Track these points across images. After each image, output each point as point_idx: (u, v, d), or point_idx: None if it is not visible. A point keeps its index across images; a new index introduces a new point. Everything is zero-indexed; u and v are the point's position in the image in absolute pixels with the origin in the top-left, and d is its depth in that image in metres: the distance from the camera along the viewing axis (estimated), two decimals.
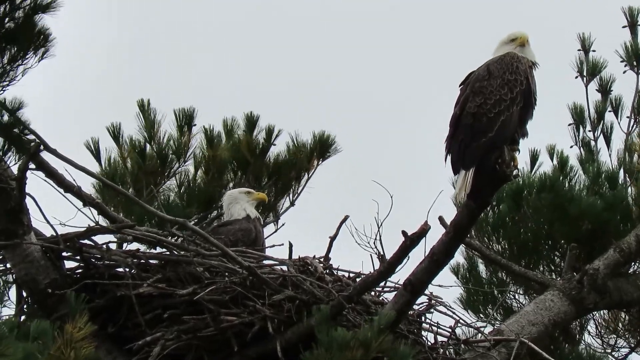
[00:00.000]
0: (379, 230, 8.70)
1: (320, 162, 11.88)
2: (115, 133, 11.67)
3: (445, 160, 8.10)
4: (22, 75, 8.34)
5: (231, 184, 11.52)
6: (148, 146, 11.67)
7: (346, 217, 9.14)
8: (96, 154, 11.56)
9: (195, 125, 11.74)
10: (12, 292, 8.85)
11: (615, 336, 11.25)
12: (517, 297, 11.23)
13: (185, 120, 11.73)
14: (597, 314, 11.17)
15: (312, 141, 11.83)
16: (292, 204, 11.84)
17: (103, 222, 9.24)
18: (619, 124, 11.65)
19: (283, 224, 11.54)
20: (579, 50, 11.88)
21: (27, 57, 8.29)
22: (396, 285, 8.77)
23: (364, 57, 20.53)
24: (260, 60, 20.08)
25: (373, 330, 7.43)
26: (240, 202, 10.07)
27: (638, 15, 11.82)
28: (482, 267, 11.39)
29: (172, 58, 20.24)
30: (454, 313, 9.06)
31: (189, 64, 20.16)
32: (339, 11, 21.05)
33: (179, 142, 11.68)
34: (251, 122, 11.79)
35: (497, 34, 8.44)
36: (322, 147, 11.84)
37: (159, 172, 11.63)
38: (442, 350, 8.94)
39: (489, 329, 9.55)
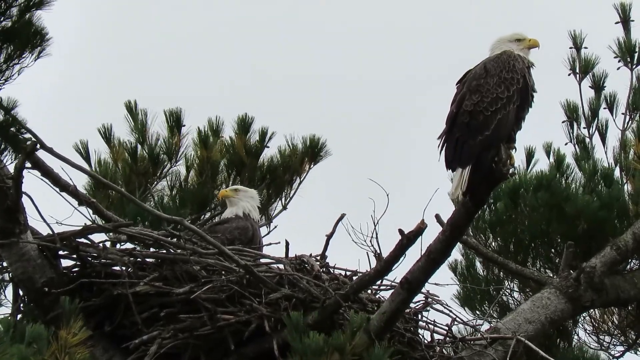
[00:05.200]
0: (375, 229, 8.70)
1: (311, 165, 11.88)
2: (107, 134, 11.65)
3: (440, 156, 8.11)
4: (19, 74, 8.34)
5: (224, 185, 11.48)
6: (139, 147, 11.64)
7: (343, 216, 9.13)
8: (86, 156, 11.52)
9: (184, 125, 11.72)
10: (9, 291, 8.88)
11: (610, 335, 11.26)
12: (513, 294, 11.24)
13: (175, 120, 11.70)
14: (593, 312, 11.17)
15: (302, 145, 11.82)
16: (284, 207, 11.85)
17: (99, 221, 9.22)
18: (614, 120, 11.66)
19: (275, 227, 11.57)
20: (570, 47, 11.87)
21: (23, 56, 8.27)
22: (393, 284, 8.78)
23: (362, 55, 20.56)
24: (255, 61, 20.11)
25: (347, 334, 7.45)
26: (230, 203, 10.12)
27: (630, 11, 11.82)
28: (479, 265, 11.39)
29: (164, 58, 20.25)
30: (450, 311, 9.08)
31: (182, 65, 20.17)
32: (335, 10, 21.08)
33: (169, 143, 11.65)
34: (245, 124, 11.78)
35: (491, 31, 8.44)
36: (313, 150, 11.83)
37: (150, 173, 11.60)
38: (438, 348, 8.95)
39: (485, 326, 9.56)
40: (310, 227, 12.12)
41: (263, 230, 11.31)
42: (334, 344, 7.42)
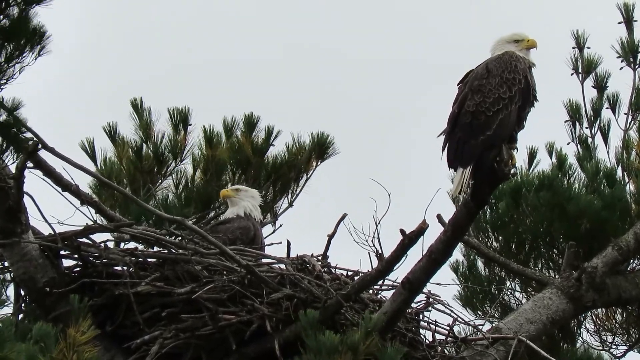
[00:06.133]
0: (377, 229, 8.69)
1: (318, 163, 11.85)
2: (112, 133, 11.63)
3: (442, 155, 8.11)
4: (19, 73, 8.31)
5: (229, 184, 11.45)
6: (144, 145, 11.62)
7: (344, 216, 9.13)
8: (92, 154, 11.52)
9: (191, 124, 11.70)
10: (10, 291, 8.87)
11: (612, 334, 11.25)
12: (515, 294, 11.24)
13: (181, 119, 11.68)
14: (595, 312, 11.16)
15: (310, 142, 11.80)
16: (290, 204, 11.82)
17: (101, 221, 9.22)
18: (616, 120, 11.65)
19: (281, 225, 11.55)
20: (573, 47, 11.86)
21: (23, 55, 8.25)
22: (394, 284, 8.77)
23: (362, 55, 20.54)
24: (259, 60, 20.11)
25: (361, 333, 7.43)
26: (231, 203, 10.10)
27: (633, 11, 11.80)
28: (481, 265, 11.39)
29: (165, 58, 20.23)
30: (452, 311, 9.07)
31: (184, 63, 20.15)
32: (335, 10, 21.08)
33: (174, 141, 11.64)
34: (251, 122, 11.76)
35: (493, 31, 8.45)
36: (321, 148, 11.80)
37: (155, 172, 11.59)
38: (440, 348, 8.94)
39: (487, 326, 9.56)
40: (315, 224, 12.12)
41: (269, 228, 11.35)
42: (348, 343, 7.41)
